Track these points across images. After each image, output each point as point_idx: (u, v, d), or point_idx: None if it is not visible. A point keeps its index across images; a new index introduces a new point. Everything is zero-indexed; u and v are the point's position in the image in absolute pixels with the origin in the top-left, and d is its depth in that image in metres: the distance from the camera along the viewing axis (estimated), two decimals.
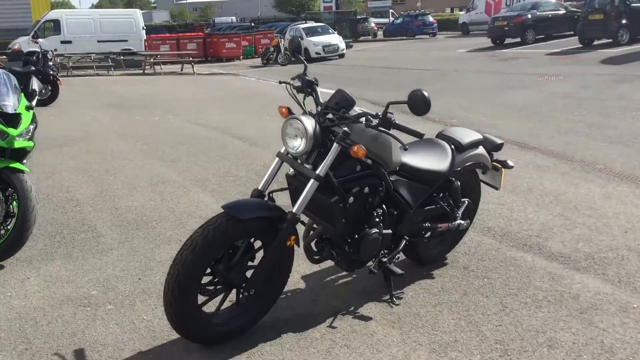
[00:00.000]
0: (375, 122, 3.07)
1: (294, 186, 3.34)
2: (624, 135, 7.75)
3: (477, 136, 3.98)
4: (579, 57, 17.22)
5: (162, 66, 23.13)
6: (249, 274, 3.14)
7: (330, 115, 3.19)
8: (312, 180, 3.05)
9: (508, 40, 24.07)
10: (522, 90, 12.29)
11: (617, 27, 18.45)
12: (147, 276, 4.03)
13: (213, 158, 7.51)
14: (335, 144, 3.06)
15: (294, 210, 3.07)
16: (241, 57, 27.94)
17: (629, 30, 18.56)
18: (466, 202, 4.00)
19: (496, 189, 4.26)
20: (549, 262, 4.09)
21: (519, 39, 23.43)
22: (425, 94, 2.92)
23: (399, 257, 3.70)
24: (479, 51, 22.87)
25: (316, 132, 3.07)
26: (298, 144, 3.10)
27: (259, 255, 3.20)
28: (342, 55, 25.94)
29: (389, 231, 3.47)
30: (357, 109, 3.21)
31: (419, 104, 2.93)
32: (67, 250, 4.52)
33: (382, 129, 3.08)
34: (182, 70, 22.66)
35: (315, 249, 3.50)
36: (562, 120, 9.02)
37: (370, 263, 3.51)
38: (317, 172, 3.04)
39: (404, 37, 37.79)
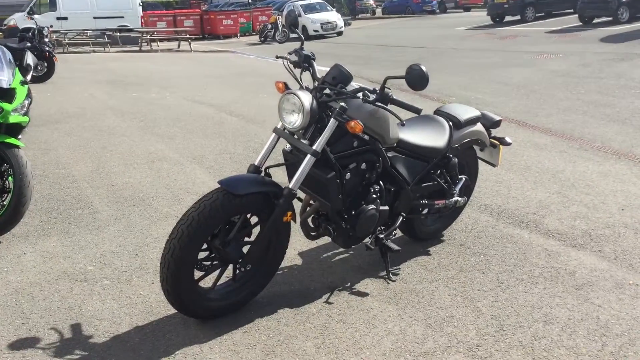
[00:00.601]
0: (372, 97, 3.04)
1: (291, 162, 3.32)
2: (622, 114, 7.72)
3: (475, 113, 3.96)
4: (578, 35, 17.10)
5: (158, 43, 22.96)
6: (245, 249, 3.14)
7: (327, 91, 3.16)
8: (308, 155, 3.03)
9: (508, 18, 23.89)
10: (521, 68, 12.22)
11: (617, 5, 18.32)
12: (143, 252, 4.02)
13: (210, 135, 7.47)
14: (332, 119, 3.04)
15: (290, 186, 3.05)
16: (238, 34, 27.76)
17: (629, 8, 18.43)
18: (463, 179, 3.99)
19: (494, 165, 4.24)
20: (545, 239, 4.09)
21: (518, 17, 23.27)
22: (424, 68, 2.89)
23: (395, 234, 3.71)
24: (479, 29, 22.71)
25: (313, 107, 3.04)
26: (295, 119, 3.07)
27: (256, 230, 3.19)
28: (340, 33, 25.76)
29: (386, 208, 3.46)
30: (354, 84, 3.18)
31: (417, 79, 2.90)
32: (64, 226, 4.51)
33: (380, 104, 3.05)
34: (179, 47, 22.48)
35: (311, 225, 3.49)
36: (561, 98, 8.99)
37: (367, 239, 3.51)
38: (314, 147, 3.02)
39: (403, 15, 37.49)
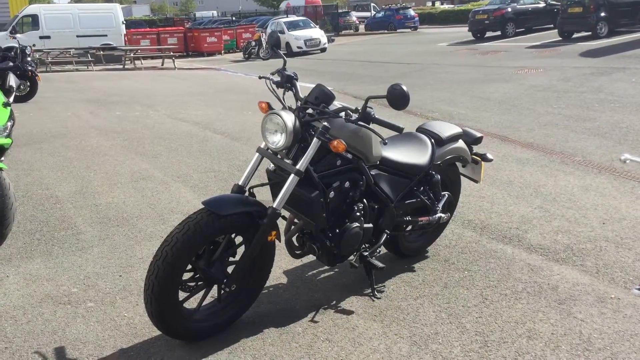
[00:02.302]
0: (354, 116, 3.08)
1: (275, 181, 3.34)
2: (602, 128, 7.83)
3: (456, 130, 4.00)
4: (558, 50, 17.35)
5: (142, 61, 22.92)
6: (230, 269, 3.14)
7: (310, 110, 3.19)
8: (292, 175, 3.05)
9: (489, 34, 24.18)
10: (502, 83, 12.37)
11: (596, 20, 18.60)
12: (127, 273, 4.01)
13: (194, 153, 7.47)
14: (315, 138, 3.07)
15: (274, 206, 3.07)
16: (222, 51, 27.82)
17: (607, 23, 18.72)
18: (446, 195, 4.02)
19: (476, 182, 4.29)
20: (528, 253, 4.13)
21: (499, 32, 23.56)
22: (404, 88, 2.93)
23: (380, 251, 3.72)
24: (460, 45, 22.95)
25: (296, 127, 3.07)
26: (278, 139, 3.10)
27: (240, 250, 3.20)
28: (323, 50, 25.92)
29: (370, 225, 3.49)
30: (336, 104, 3.21)
31: (398, 99, 2.94)
32: (47, 248, 4.48)
33: (362, 123, 3.09)
34: (162, 65, 22.48)
35: (296, 244, 3.50)
36: (542, 113, 9.10)
37: (351, 257, 3.53)
38: (297, 166, 3.05)
39: (386, 31, 37.80)
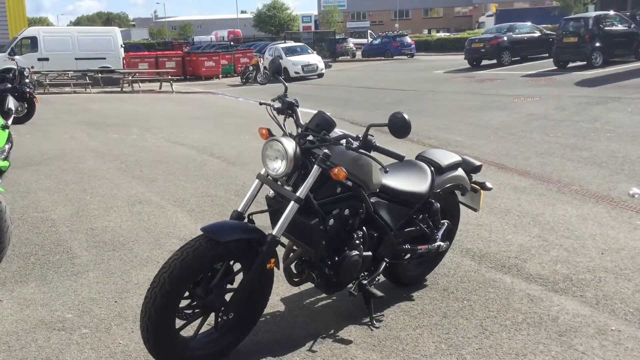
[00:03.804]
0: (355, 144, 3.08)
1: (274, 208, 3.32)
2: (599, 157, 7.86)
3: (456, 158, 4.01)
4: (554, 79, 17.51)
5: (140, 84, 23.01)
6: (227, 297, 3.10)
7: (310, 137, 3.19)
8: (292, 202, 3.04)
9: (485, 62, 24.41)
10: (498, 111, 12.44)
11: (591, 50, 18.83)
12: (123, 299, 3.96)
13: (191, 177, 7.45)
14: (315, 165, 3.06)
15: (274, 233, 3.04)
16: (220, 75, 27.96)
17: (602, 53, 18.95)
18: (446, 224, 4.01)
19: (475, 210, 4.28)
20: (527, 283, 4.11)
21: (495, 61, 23.78)
22: (406, 117, 2.93)
23: (379, 279, 3.69)
24: (456, 72, 23.15)
25: (297, 154, 3.06)
26: (278, 166, 3.09)
27: (238, 278, 3.16)
28: (321, 75, 26.08)
29: (369, 253, 3.46)
30: (337, 131, 3.21)
31: (399, 127, 2.94)
32: (42, 272, 4.43)
33: (363, 151, 3.08)
34: (160, 88, 22.56)
35: (294, 271, 3.47)
36: (538, 141, 9.14)
37: (350, 285, 3.49)
38: (298, 194, 3.03)
39: (382, 58, 38.16)
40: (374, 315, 3.58)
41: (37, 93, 14.09)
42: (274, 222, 3.27)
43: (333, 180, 3.14)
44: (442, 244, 3.94)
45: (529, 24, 26.16)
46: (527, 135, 9.72)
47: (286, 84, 3.46)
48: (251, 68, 25.05)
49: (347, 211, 3.27)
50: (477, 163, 4.17)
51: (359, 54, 42.04)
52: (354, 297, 3.55)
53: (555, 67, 20.13)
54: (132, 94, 21.30)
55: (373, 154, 3.12)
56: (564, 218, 5.50)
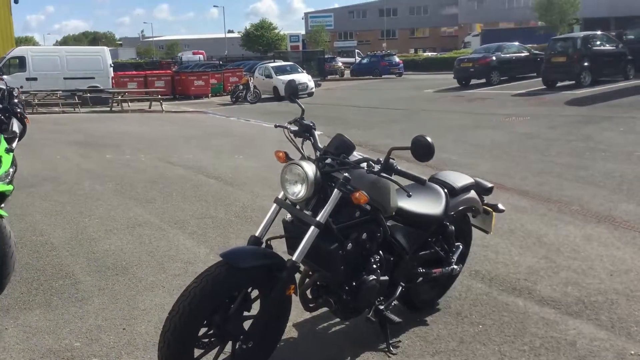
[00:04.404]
0: (377, 167, 3.04)
1: (291, 232, 3.26)
2: (596, 176, 7.89)
3: (469, 180, 3.99)
4: (543, 99, 17.67)
5: (129, 104, 22.90)
6: (245, 324, 3.03)
7: (329, 160, 3.15)
8: (312, 227, 2.98)
9: (474, 81, 24.62)
10: (491, 130, 12.50)
11: (580, 70, 19.05)
12: (131, 326, 3.86)
13: (189, 198, 7.37)
14: (336, 190, 3.01)
15: (294, 258, 2.98)
16: (210, 94, 27.92)
17: (590, 72, 19.18)
18: (460, 246, 3.97)
19: (487, 232, 4.26)
20: (540, 306, 4.07)
21: (484, 80, 24.00)
22: (429, 139, 2.91)
23: (393, 304, 3.64)
24: (446, 91, 23.31)
25: (317, 178, 3.02)
26: (298, 190, 3.04)
27: (255, 305, 3.09)
28: (311, 94, 26.11)
29: (386, 278, 3.40)
30: (356, 154, 3.18)
31: (423, 150, 2.91)
32: (46, 298, 4.32)
33: (385, 175, 3.05)
34: (150, 107, 22.46)
35: (310, 297, 3.41)
36: (533, 160, 9.18)
37: (366, 310, 3.43)
38: (318, 218, 2.98)
39: (371, 77, 38.37)
40: (390, 342, 3.52)
41: (26, 113, 13.94)
42: (290, 247, 3.21)
43: (351, 204, 3.09)
44: (455, 267, 3.90)
45: (516, 43, 26.47)
46: (522, 154, 9.76)
47: (303, 107, 3.43)
48: (241, 87, 25.04)
49: (365, 235, 3.22)
50: (489, 185, 4.15)
51: (347, 72, 42.25)
52: (370, 323, 3.48)
53: (545, 87, 20.32)
54: (122, 113, 21.17)
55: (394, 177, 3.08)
56: (568, 239, 5.48)
